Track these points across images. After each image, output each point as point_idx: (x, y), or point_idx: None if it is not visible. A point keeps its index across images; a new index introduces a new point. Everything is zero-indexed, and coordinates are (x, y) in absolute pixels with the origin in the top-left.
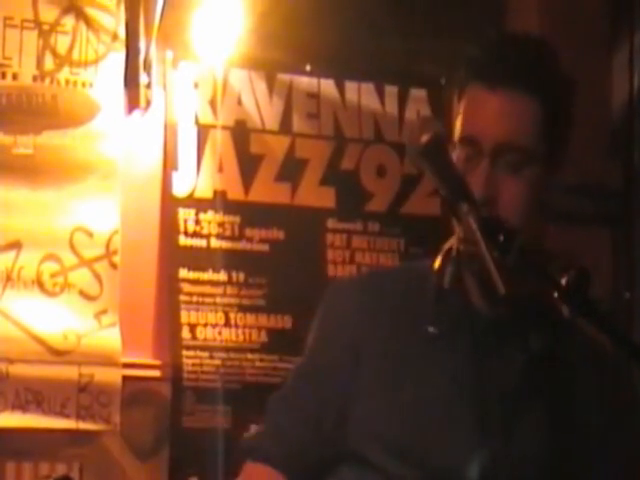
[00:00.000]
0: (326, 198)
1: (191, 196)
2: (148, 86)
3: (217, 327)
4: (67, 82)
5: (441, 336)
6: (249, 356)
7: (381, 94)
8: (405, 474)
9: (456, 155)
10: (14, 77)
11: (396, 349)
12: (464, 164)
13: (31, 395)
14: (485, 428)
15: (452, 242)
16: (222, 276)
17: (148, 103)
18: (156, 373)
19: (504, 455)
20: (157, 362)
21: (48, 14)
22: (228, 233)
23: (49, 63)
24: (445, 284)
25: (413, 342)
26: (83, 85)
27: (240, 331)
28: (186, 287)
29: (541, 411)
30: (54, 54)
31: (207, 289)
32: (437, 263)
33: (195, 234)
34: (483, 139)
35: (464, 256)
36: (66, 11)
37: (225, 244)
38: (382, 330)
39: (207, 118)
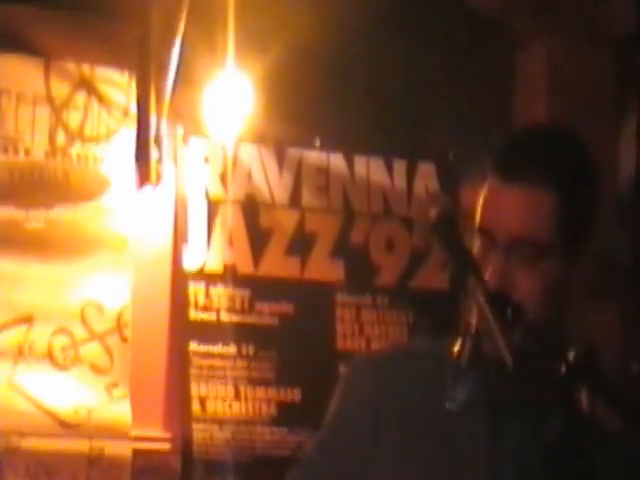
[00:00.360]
0: (335, 272)
1: (201, 270)
2: (159, 161)
3: (227, 400)
4: (79, 157)
5: (458, 413)
6: (259, 429)
7: (390, 168)
8: None
9: (476, 242)
10: (26, 152)
11: (414, 427)
12: (482, 252)
13: (42, 468)
14: None
15: (469, 321)
16: (232, 349)
17: (159, 178)
18: (166, 446)
19: None
20: (167, 435)
21: (60, 90)
22: (238, 307)
23: (61, 138)
24: (463, 362)
25: (431, 419)
26: (95, 160)
27: (250, 404)
28: (196, 360)
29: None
30: (66, 130)
31: (217, 362)
32: (457, 345)
33: (205, 308)
34: (497, 232)
35: (480, 333)
36: (78, 87)
37: (235, 317)
38: (400, 409)
39: (217, 192)
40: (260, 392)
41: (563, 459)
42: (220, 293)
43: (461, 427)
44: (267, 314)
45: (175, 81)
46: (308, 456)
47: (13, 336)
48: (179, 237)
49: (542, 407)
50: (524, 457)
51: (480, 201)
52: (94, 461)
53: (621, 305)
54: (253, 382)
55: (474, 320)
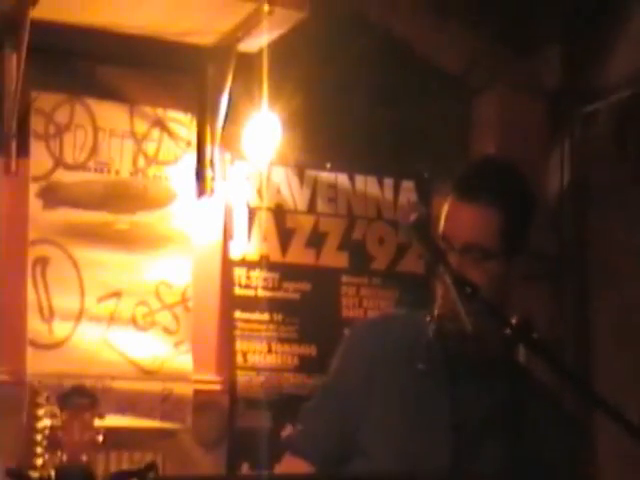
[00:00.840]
0: (341, 260)
1: (243, 259)
2: (212, 179)
3: (262, 354)
4: (154, 176)
5: (428, 373)
6: (285, 375)
7: (381, 184)
8: (395, 467)
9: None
10: (116, 173)
11: (396, 379)
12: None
13: (128, 404)
14: (456, 444)
15: (439, 296)
16: (265, 316)
17: (212, 191)
18: (218, 387)
19: (469, 462)
20: (218, 379)
21: (141, 127)
22: (270, 285)
23: (141, 162)
24: (432, 334)
25: (409, 375)
26: (165, 178)
27: (278, 356)
28: (239, 324)
29: (508, 433)
30: (145, 156)
31: (254, 326)
32: (429, 318)
33: (246, 286)
34: (454, 239)
35: (444, 312)
36: (154, 125)
37: (268, 293)
38: (388, 364)
39: (255, 202)
40: (286, 348)
41: (509, 408)
42: (257, 275)
43: (430, 382)
44: (291, 291)
45: (224, 120)
46: (318, 396)
47: (107, 306)
48: (227, 234)
49: (492, 367)
50: (479, 405)
51: (443, 214)
52: (165, 398)
53: (551, 285)
54: (281, 340)
55: (443, 295)
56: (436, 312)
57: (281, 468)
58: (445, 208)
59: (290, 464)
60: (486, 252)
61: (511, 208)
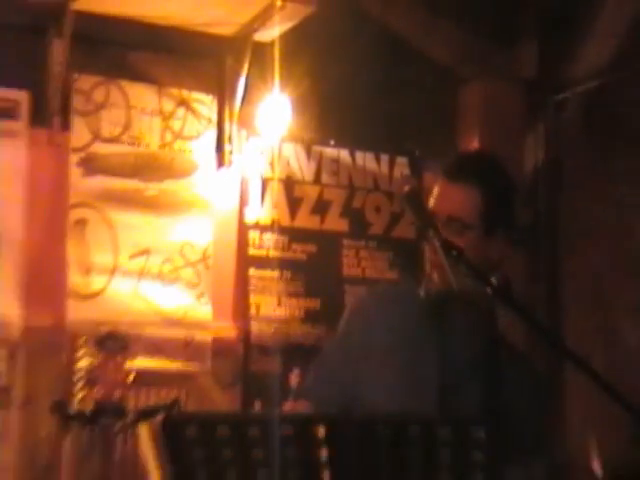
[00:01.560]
0: (343, 225)
1: (257, 223)
2: (230, 152)
3: (272, 306)
4: (179, 149)
5: (421, 334)
6: (292, 325)
7: (378, 160)
8: (387, 408)
9: None
10: (146, 146)
11: (393, 339)
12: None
13: (155, 349)
14: (441, 390)
15: (429, 258)
16: (276, 274)
17: (230, 163)
18: (233, 335)
19: (450, 404)
20: (234, 328)
21: (168, 106)
22: (280, 247)
23: (168, 137)
24: (422, 301)
25: (405, 335)
26: (189, 152)
27: (287, 309)
28: (254, 281)
29: (484, 381)
30: (171, 132)
31: (267, 283)
32: (422, 291)
33: (259, 247)
34: (440, 212)
35: (433, 273)
36: (179, 104)
37: (278, 254)
38: (386, 327)
39: (267, 173)
40: (293, 301)
41: (485, 362)
42: (269, 238)
43: (420, 338)
44: (299, 252)
45: (241, 101)
46: (326, 352)
47: (137, 263)
48: (243, 201)
49: (473, 325)
50: (461, 357)
51: (434, 192)
52: (188, 344)
53: (526, 251)
54: (290, 295)
55: (431, 258)
56: (426, 274)
57: (286, 408)
58: (435, 188)
59: (296, 405)
60: (465, 225)
61: (488, 190)
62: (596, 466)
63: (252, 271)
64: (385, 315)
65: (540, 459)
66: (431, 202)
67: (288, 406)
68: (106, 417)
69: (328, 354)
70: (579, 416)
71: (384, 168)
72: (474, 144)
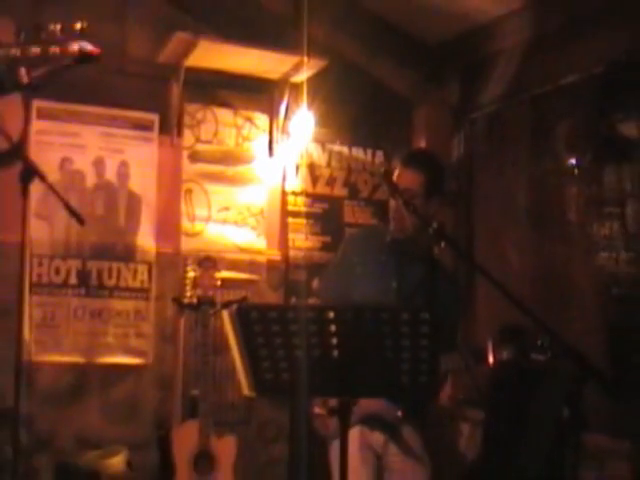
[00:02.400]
0: (344, 192)
1: (293, 191)
2: (276, 148)
3: (302, 240)
4: (247, 147)
5: (387, 260)
6: (315, 253)
7: (365, 152)
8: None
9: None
10: (227, 145)
11: (370, 263)
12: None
13: (233, 265)
14: (399, 297)
15: (393, 210)
16: (304, 221)
17: (274, 154)
18: (279, 258)
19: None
20: (279, 253)
21: (239, 121)
22: (307, 205)
23: (240, 140)
24: (389, 238)
25: (378, 261)
26: (252, 148)
27: (310, 242)
28: (291, 226)
29: (426, 294)
30: (242, 137)
31: (299, 227)
32: (388, 235)
33: (295, 205)
34: (399, 186)
35: (395, 224)
36: (246, 120)
37: (304, 209)
38: (366, 254)
39: (298, 161)
40: (314, 239)
41: (428, 278)
42: (300, 200)
43: (387, 264)
44: (318, 208)
45: (284, 117)
46: (329, 270)
47: (222, 215)
48: (284, 178)
49: (420, 258)
50: (414, 278)
51: (396, 173)
52: (251, 263)
53: (453, 207)
54: (312, 234)
55: (396, 212)
56: (392, 225)
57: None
58: (396, 170)
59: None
60: (414, 194)
61: (427, 173)
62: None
63: (290, 219)
64: (366, 245)
65: (454, 346)
66: (395, 178)
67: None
68: (204, 306)
69: (331, 269)
70: (486, 317)
71: (369, 157)
72: (422, 143)
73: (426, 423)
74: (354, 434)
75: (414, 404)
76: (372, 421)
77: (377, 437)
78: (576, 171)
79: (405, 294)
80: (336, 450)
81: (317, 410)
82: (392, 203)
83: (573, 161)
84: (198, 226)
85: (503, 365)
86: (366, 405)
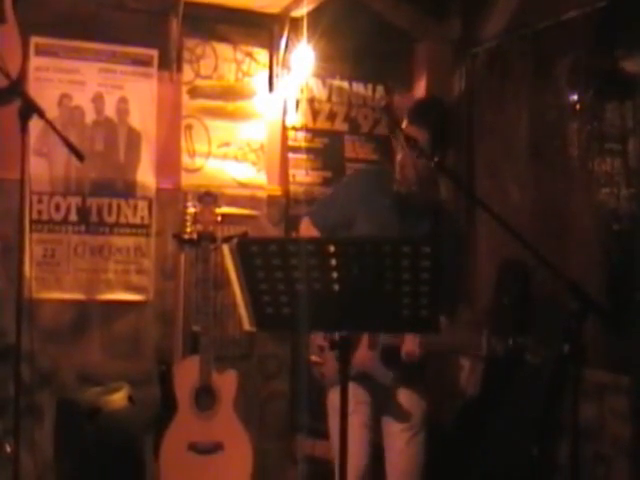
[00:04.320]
0: (344, 127)
1: (293, 126)
2: (276, 82)
3: (303, 176)
4: (246, 82)
5: (390, 204)
6: (315, 188)
7: (366, 87)
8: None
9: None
10: (227, 80)
11: (373, 205)
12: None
13: (233, 201)
14: (401, 232)
15: (396, 150)
16: (304, 156)
17: (276, 90)
18: (279, 193)
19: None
20: (279, 189)
21: (239, 56)
22: (307, 140)
23: (240, 75)
24: (395, 185)
25: (381, 205)
26: (252, 82)
27: (311, 177)
28: (291, 161)
29: (425, 227)
30: (242, 72)
31: (300, 162)
32: (394, 173)
33: (294, 140)
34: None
35: (399, 165)
36: (246, 55)
37: (305, 144)
38: (368, 194)
39: (299, 95)
40: (315, 173)
41: (433, 220)
42: (300, 135)
43: (390, 209)
44: (319, 142)
45: (284, 52)
46: (327, 196)
47: (222, 150)
48: (284, 112)
49: (423, 203)
50: (417, 220)
51: (403, 125)
52: (252, 198)
53: (454, 143)
54: (313, 169)
55: (399, 152)
56: (397, 174)
57: (302, 227)
58: (404, 124)
59: (306, 227)
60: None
61: (433, 130)
62: None
63: (290, 155)
64: (371, 186)
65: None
66: (406, 129)
67: (302, 225)
68: (205, 242)
69: (329, 199)
70: (487, 256)
71: (369, 92)
72: (423, 78)
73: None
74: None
75: (412, 370)
76: (364, 380)
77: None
78: (578, 107)
79: (407, 229)
80: (334, 396)
81: (314, 358)
82: (398, 155)
83: (575, 97)
84: (198, 162)
85: (509, 263)
86: (360, 362)
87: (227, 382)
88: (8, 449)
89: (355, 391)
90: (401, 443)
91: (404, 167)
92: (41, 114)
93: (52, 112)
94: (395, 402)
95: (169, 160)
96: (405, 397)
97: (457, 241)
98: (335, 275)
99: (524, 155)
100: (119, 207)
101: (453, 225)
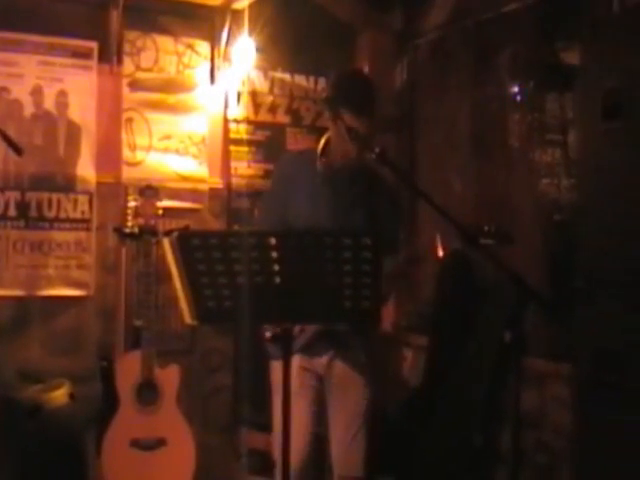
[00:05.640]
0: (286, 119)
1: (235, 119)
2: (217, 75)
3: (244, 168)
4: (187, 74)
5: (321, 181)
6: (256, 180)
7: (308, 79)
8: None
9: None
10: (168, 73)
11: (304, 185)
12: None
13: (174, 194)
14: (335, 214)
15: (324, 138)
16: (246, 149)
17: (218, 82)
18: (221, 186)
19: (344, 221)
20: (221, 182)
21: (180, 48)
22: (249, 132)
23: (180, 67)
24: (322, 159)
25: (311, 182)
26: (193, 75)
27: (252, 170)
28: (233, 154)
29: (364, 208)
30: (182, 64)
31: (241, 155)
32: (320, 149)
33: (237, 132)
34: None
35: (334, 147)
36: (187, 47)
37: (247, 137)
38: (300, 176)
39: (240, 88)
40: (256, 165)
41: (365, 192)
42: (242, 128)
43: (321, 186)
44: (260, 136)
45: (225, 44)
46: (265, 197)
47: (163, 143)
48: (226, 105)
49: (357, 174)
50: (348, 195)
51: (346, 119)
52: (194, 191)
53: (395, 133)
54: (255, 161)
55: (337, 136)
56: (332, 143)
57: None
58: (346, 117)
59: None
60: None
61: (373, 115)
62: (439, 252)
63: (232, 147)
64: (298, 168)
65: (397, 253)
66: (348, 121)
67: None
68: (146, 235)
69: (268, 197)
70: (427, 226)
71: (311, 84)
72: (365, 70)
73: (372, 343)
74: (293, 361)
75: (360, 323)
76: (316, 344)
77: (319, 361)
78: (519, 98)
79: (342, 211)
80: (276, 369)
81: (268, 334)
82: (332, 129)
83: (516, 88)
84: (139, 155)
85: (452, 254)
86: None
87: (169, 377)
88: None
89: (302, 361)
90: (347, 434)
91: (340, 140)
92: None
93: None
94: (349, 351)
95: (110, 153)
96: (356, 348)
97: (392, 204)
98: (276, 268)
99: (466, 146)
100: (59, 202)
101: (385, 188)
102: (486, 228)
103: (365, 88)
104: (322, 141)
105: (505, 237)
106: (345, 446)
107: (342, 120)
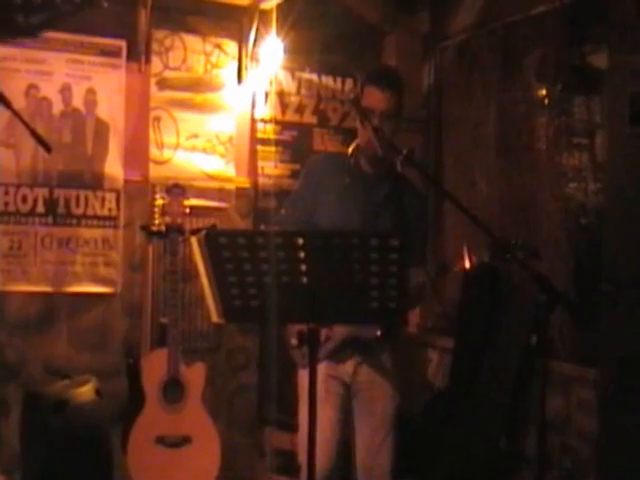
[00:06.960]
0: (313, 120)
1: (262, 118)
2: (245, 75)
3: (271, 168)
4: (215, 74)
5: (351, 183)
6: (283, 180)
7: (335, 80)
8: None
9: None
10: (195, 72)
11: (334, 186)
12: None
13: (201, 193)
14: (363, 216)
15: (355, 143)
16: (273, 149)
17: (243, 81)
18: (248, 185)
19: (372, 223)
20: (248, 181)
21: (208, 48)
22: (276, 132)
23: (208, 67)
24: (351, 162)
25: (340, 183)
26: (221, 75)
27: (280, 170)
28: (260, 153)
29: (392, 210)
30: (210, 64)
31: (268, 155)
32: (350, 152)
33: (263, 132)
34: (374, 109)
35: (362, 148)
36: (215, 47)
37: (274, 137)
38: (329, 178)
39: (268, 88)
40: (284, 165)
41: (395, 197)
42: (269, 128)
43: (352, 187)
44: (287, 135)
45: (253, 44)
46: (291, 196)
47: (190, 142)
48: (253, 105)
49: (386, 177)
50: (379, 198)
51: (367, 95)
52: (221, 191)
53: (423, 134)
54: (282, 161)
55: (364, 136)
56: (360, 145)
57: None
58: (367, 90)
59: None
60: (389, 115)
61: (399, 92)
62: (466, 263)
63: (259, 147)
64: (327, 170)
65: (424, 263)
66: (365, 98)
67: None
68: (173, 234)
69: (294, 197)
70: (454, 234)
71: (339, 85)
72: None
73: (398, 347)
74: (320, 368)
75: (389, 327)
76: (341, 351)
77: (345, 368)
78: (546, 101)
79: (371, 213)
80: (303, 377)
81: (293, 342)
82: (360, 131)
83: (543, 91)
84: (166, 154)
85: (480, 266)
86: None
87: (195, 375)
88: None
89: (328, 368)
90: (373, 441)
91: (366, 139)
92: (8, 104)
93: (19, 103)
94: (376, 358)
95: (137, 152)
96: (385, 355)
97: (420, 208)
98: (303, 268)
99: (492, 148)
100: (87, 199)
101: (414, 191)
102: (513, 241)
103: (391, 68)
104: (352, 146)
105: (533, 253)
106: (372, 453)
107: (369, 121)
